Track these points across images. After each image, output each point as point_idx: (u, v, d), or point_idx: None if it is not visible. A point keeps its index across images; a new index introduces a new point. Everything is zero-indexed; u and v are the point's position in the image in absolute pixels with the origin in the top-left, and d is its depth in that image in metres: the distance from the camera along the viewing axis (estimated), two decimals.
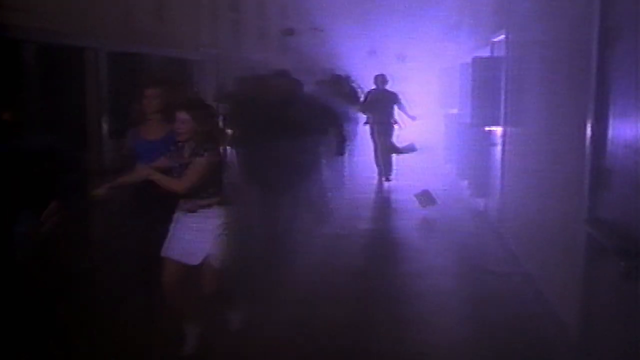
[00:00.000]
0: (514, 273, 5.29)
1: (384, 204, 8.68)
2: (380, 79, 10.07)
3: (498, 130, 6.81)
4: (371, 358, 3.90)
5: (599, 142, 3.39)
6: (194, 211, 3.66)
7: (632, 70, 2.93)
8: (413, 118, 10.24)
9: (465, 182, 8.45)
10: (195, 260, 3.63)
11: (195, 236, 3.64)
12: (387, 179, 9.84)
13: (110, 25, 4.83)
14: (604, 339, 3.30)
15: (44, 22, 3.90)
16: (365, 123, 9.97)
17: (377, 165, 9.96)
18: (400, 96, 10.07)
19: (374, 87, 10.14)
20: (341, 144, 6.68)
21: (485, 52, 7.50)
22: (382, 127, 9.80)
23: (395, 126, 9.97)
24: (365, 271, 5.53)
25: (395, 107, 10.00)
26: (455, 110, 9.96)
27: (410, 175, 9.84)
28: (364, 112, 9.91)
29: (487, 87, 6.78)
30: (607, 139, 3.31)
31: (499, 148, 6.74)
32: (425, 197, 7.78)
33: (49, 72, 4.20)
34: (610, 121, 3.27)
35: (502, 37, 6.56)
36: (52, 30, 3.99)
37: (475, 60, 7.16)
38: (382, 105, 9.81)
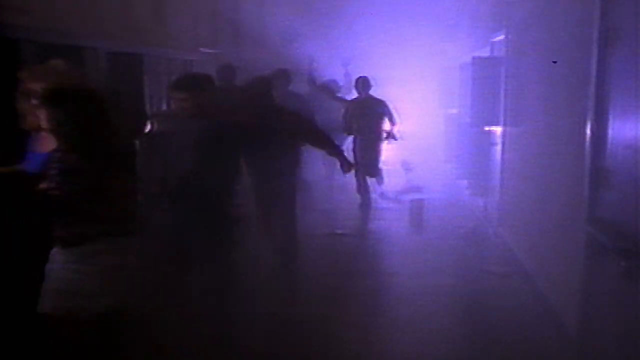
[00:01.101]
0: (514, 273, 5.29)
1: (381, 203, 8.66)
2: (362, 83, 8.12)
3: (498, 130, 6.82)
4: (369, 358, 3.90)
5: (599, 142, 3.39)
6: (76, 244, 2.69)
7: (632, 70, 2.94)
8: (393, 136, 8.35)
9: (465, 182, 8.46)
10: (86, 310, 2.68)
11: (83, 279, 2.67)
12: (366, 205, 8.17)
13: (110, 25, 4.82)
14: (604, 339, 3.30)
15: (44, 22, 3.89)
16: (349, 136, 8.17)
17: (359, 191, 8.16)
18: (388, 105, 8.17)
19: (356, 94, 8.30)
20: (341, 156, 5.08)
21: (485, 52, 7.51)
22: (365, 144, 8.06)
23: (385, 142, 8.32)
24: (362, 271, 5.53)
25: (383, 119, 8.16)
26: (455, 110, 9.96)
27: (409, 176, 9.84)
28: (346, 127, 8.05)
29: (487, 87, 6.78)
30: (607, 139, 3.31)
31: (499, 148, 6.74)
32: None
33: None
34: (610, 121, 3.27)
35: (502, 37, 6.56)
36: (52, 30, 3.99)
37: (475, 60, 7.17)
38: (365, 116, 7.99)
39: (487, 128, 7.24)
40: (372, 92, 8.18)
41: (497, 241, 6.31)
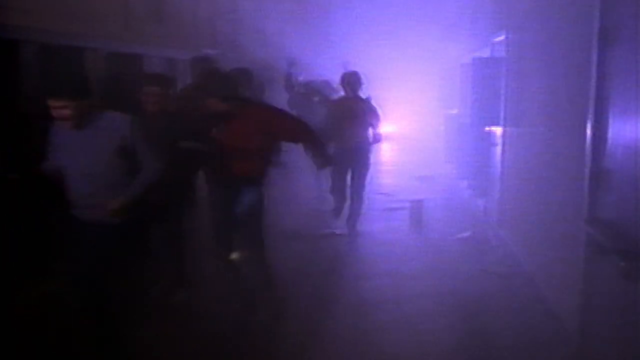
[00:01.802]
0: (514, 273, 5.29)
1: (381, 203, 8.65)
2: (348, 80, 6.48)
3: (498, 130, 6.82)
4: (369, 358, 3.90)
5: (599, 142, 3.39)
6: None
7: (632, 70, 2.93)
8: (377, 139, 6.63)
9: (465, 182, 8.46)
10: None
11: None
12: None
13: (110, 26, 4.83)
14: (604, 339, 3.30)
15: (44, 22, 3.90)
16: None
17: (332, 192, 6.81)
18: (379, 111, 6.62)
19: (341, 93, 6.74)
20: (319, 149, 4.32)
21: (485, 52, 7.51)
22: (348, 156, 6.42)
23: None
24: (362, 272, 5.52)
25: (369, 128, 6.53)
26: (455, 111, 9.96)
27: (408, 176, 9.84)
28: (326, 133, 5.97)
29: (487, 87, 6.78)
30: (607, 139, 3.31)
31: (499, 148, 6.74)
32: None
33: (49, 72, 4.19)
34: (610, 121, 3.27)
35: (502, 37, 6.56)
36: (52, 30, 3.99)
37: (475, 60, 7.17)
38: (350, 122, 6.34)
39: (487, 128, 7.24)
40: (370, 93, 7.03)
41: (497, 241, 6.31)
